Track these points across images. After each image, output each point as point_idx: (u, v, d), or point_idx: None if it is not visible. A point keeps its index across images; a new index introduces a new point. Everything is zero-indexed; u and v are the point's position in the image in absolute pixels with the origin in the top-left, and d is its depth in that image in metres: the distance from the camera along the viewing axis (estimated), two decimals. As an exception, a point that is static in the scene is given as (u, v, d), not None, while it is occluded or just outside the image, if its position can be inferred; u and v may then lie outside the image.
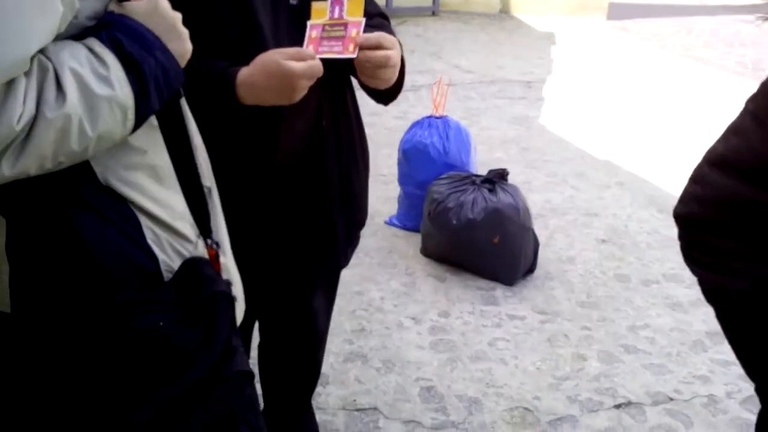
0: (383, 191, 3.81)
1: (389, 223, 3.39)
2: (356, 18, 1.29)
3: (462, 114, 5.20)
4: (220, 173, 1.25)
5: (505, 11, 9.45)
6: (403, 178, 3.29)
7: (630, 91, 5.95)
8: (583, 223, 3.47)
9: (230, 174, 1.39)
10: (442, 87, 3.23)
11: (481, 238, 2.80)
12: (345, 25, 1.29)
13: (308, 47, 1.29)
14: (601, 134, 4.83)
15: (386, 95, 1.49)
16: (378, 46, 1.28)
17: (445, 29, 8.35)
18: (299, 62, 1.23)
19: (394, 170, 3.53)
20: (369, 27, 1.32)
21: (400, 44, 1.41)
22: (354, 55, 1.28)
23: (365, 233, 3.36)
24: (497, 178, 2.89)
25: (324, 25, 1.30)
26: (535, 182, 3.98)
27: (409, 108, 5.38)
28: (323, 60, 1.26)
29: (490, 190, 2.84)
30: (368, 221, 3.45)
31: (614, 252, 3.19)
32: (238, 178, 1.39)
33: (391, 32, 1.55)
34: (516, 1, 9.43)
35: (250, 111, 1.34)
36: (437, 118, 3.20)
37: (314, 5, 1.31)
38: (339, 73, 1.43)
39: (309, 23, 1.31)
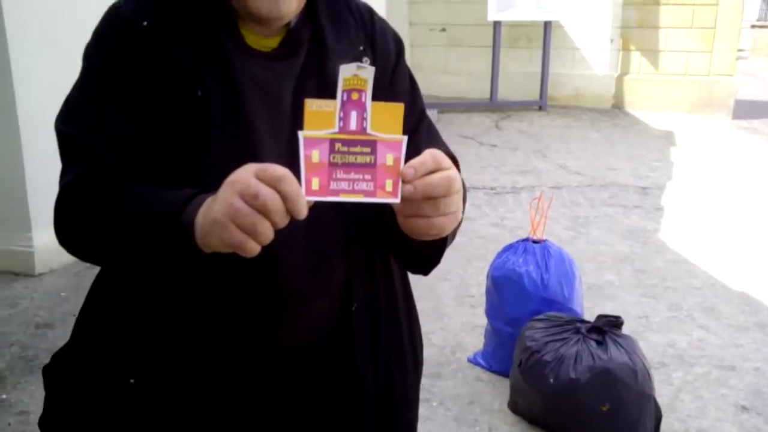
0: (470, 317, 3.28)
1: (473, 361, 2.84)
2: (392, 135, 0.78)
3: (567, 223, 4.63)
4: (201, 371, 0.90)
5: (618, 106, 8.88)
6: (492, 311, 2.76)
7: (765, 204, 5.18)
8: (717, 380, 2.77)
9: (214, 371, 0.95)
10: (542, 205, 2.71)
11: (585, 404, 2.20)
12: (372, 145, 0.78)
13: (310, 182, 0.76)
14: (733, 257, 4.11)
15: (434, 252, 0.96)
16: (436, 168, 0.80)
17: (553, 125, 7.87)
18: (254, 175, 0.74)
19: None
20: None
21: (456, 163, 0.94)
22: (396, 199, 0.78)
23: (443, 373, 2.77)
24: (609, 327, 2.31)
25: (333, 140, 0.77)
26: (654, 317, 3.32)
27: (507, 213, 4.87)
28: (339, 204, 0.78)
29: (599, 343, 2.25)
30: (449, 356, 2.94)
31: (760, 427, 2.47)
32: (225, 374, 0.95)
33: (440, 143, 1.08)
34: (631, 97, 8.85)
35: (240, 298, 0.90)
36: (535, 242, 2.67)
37: (308, 104, 0.76)
38: (370, 222, 0.97)
39: (301, 135, 0.76)
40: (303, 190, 0.74)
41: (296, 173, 0.75)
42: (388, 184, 0.78)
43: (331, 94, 0.77)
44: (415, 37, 9.29)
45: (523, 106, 8.56)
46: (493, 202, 5.13)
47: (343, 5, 1.07)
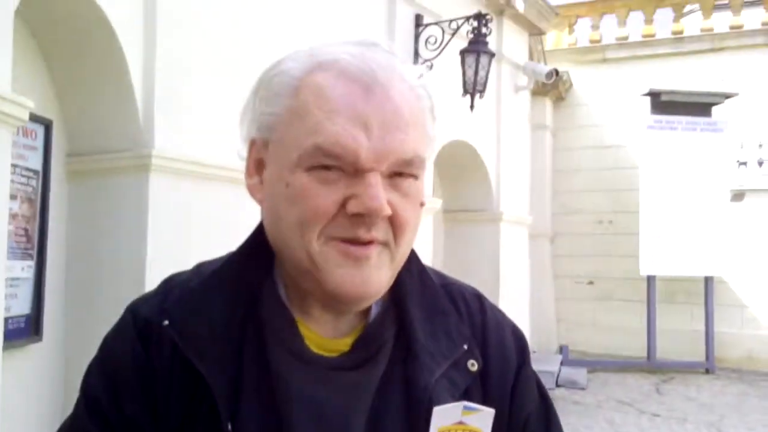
0: None
1: None
2: None
3: None
4: None
5: (802, 372, 7.71)
6: None
7: None
8: None
9: None
10: None
11: None
12: None
13: None
14: None
15: None
16: None
17: (725, 392, 6.87)
18: None
19: None
20: None
21: None
22: None
23: None
24: None
25: None
26: None
27: None
28: None
29: None
30: None
31: None
32: None
33: None
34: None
35: None
36: None
37: None
38: None
39: None
40: None
41: None
42: None
43: (424, 421, 0.50)
44: (560, 289, 8.91)
45: (686, 368, 7.65)
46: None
47: (441, 291, 0.82)
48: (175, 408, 0.70)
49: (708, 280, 7.62)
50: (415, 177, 0.74)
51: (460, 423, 0.46)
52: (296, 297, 0.76)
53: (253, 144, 0.77)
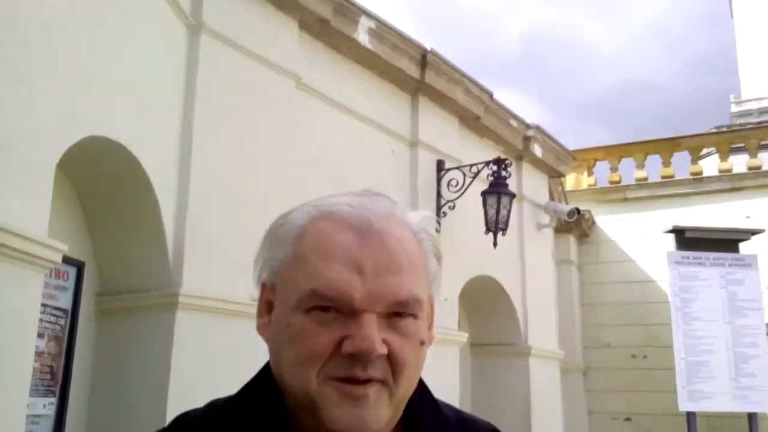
0: None
1: None
2: None
3: None
4: None
5: None
6: None
7: None
8: None
9: None
10: None
11: None
12: None
13: None
14: None
15: None
16: None
17: None
18: None
19: None
20: None
21: None
22: None
23: None
24: None
25: None
26: None
27: None
28: None
29: None
30: None
31: None
32: None
33: None
34: None
35: None
36: None
37: None
38: None
39: None
40: None
41: None
42: None
43: None
44: (596, 426, 8.53)
45: None
46: None
47: (455, 425, 0.84)
48: None
49: (752, 417, 7.23)
50: (414, 316, 0.77)
51: None
52: None
53: (263, 287, 0.83)
